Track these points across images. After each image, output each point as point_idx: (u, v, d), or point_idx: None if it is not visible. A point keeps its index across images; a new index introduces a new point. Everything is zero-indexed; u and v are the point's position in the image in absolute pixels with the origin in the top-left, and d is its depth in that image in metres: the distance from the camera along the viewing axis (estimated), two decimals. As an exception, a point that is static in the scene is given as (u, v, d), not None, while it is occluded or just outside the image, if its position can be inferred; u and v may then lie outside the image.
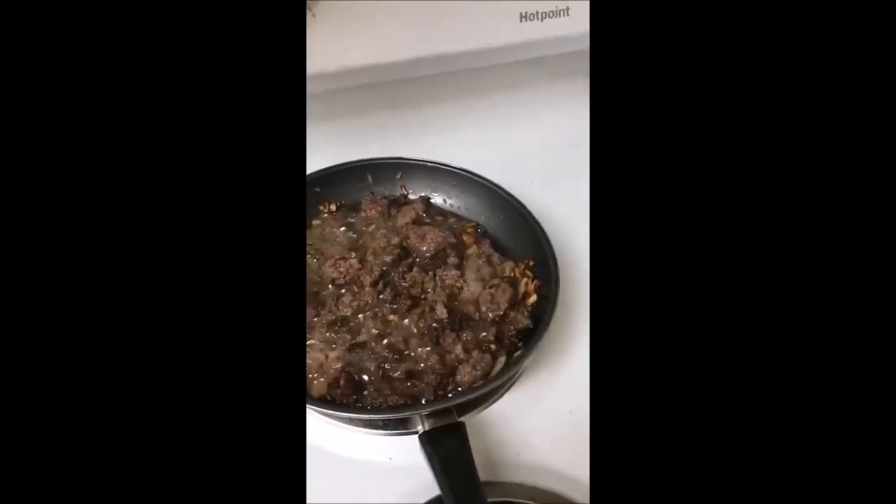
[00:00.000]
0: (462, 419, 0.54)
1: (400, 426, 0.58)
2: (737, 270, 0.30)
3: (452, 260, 0.67)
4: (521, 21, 0.66)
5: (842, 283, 0.29)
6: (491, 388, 0.57)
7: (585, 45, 0.53)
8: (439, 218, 0.73)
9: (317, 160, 0.72)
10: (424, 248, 0.68)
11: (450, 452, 0.51)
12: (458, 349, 0.58)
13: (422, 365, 0.58)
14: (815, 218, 0.30)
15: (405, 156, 0.75)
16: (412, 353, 0.59)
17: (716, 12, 0.30)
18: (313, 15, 0.57)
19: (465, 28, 0.66)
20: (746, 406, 0.30)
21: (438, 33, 0.66)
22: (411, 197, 0.75)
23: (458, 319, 0.61)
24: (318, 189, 0.73)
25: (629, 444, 0.31)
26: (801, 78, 0.30)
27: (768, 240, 0.30)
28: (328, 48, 0.63)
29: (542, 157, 0.82)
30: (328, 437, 0.58)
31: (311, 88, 0.71)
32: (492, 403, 0.60)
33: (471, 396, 0.55)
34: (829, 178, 0.30)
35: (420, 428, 0.53)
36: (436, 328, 0.60)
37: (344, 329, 0.60)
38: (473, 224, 0.73)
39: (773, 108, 0.30)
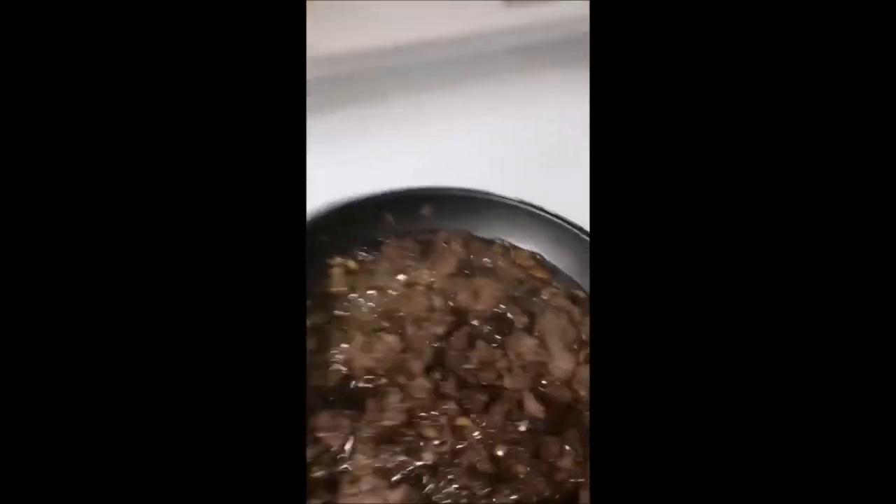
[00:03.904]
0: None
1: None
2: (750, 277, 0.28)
3: (521, 321, 0.50)
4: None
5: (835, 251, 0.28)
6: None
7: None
8: (488, 258, 0.56)
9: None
10: (480, 307, 0.51)
11: None
12: (568, 462, 0.42)
13: (524, 492, 0.41)
14: (815, 215, 0.28)
15: (431, 185, 0.58)
16: (507, 474, 0.42)
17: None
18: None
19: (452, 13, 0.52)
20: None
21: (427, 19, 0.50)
22: (447, 236, 0.58)
23: (556, 416, 0.44)
24: (323, 238, 0.54)
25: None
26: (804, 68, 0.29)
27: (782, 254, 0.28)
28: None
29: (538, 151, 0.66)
30: None
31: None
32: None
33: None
34: (825, 157, 0.28)
35: None
36: (530, 434, 0.43)
37: (399, 448, 0.43)
38: (530, 253, 0.57)
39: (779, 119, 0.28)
